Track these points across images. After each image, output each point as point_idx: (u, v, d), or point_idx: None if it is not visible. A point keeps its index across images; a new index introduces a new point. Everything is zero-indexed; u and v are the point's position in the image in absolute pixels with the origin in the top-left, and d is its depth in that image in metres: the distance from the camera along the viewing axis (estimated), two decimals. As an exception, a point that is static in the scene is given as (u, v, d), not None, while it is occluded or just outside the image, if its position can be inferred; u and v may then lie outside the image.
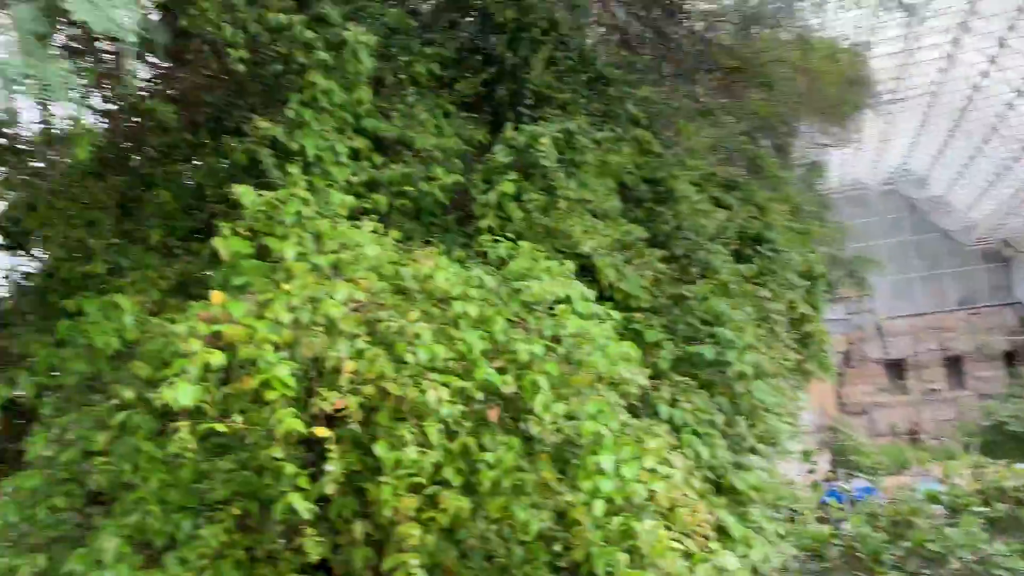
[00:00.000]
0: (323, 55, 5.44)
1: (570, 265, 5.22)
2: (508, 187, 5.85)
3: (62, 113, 7.17)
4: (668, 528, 4.04)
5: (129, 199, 5.81)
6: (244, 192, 4.17)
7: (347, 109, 5.67)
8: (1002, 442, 28.45)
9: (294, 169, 4.98)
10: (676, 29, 9.24)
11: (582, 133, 6.42)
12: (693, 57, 9.29)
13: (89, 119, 5.43)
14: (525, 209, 5.92)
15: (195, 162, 5.98)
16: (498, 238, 5.49)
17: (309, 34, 5.44)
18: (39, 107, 5.95)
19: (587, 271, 5.97)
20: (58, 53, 2.70)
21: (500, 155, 6.03)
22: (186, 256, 5.32)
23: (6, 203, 7.56)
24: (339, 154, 5.51)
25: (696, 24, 9.43)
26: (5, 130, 8.11)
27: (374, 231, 4.52)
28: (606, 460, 3.90)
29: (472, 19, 7.47)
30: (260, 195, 4.21)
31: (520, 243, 5.22)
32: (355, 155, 5.74)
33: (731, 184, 8.75)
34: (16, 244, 7.67)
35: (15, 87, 2.72)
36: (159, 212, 5.53)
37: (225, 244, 4.02)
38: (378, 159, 5.92)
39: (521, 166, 6.02)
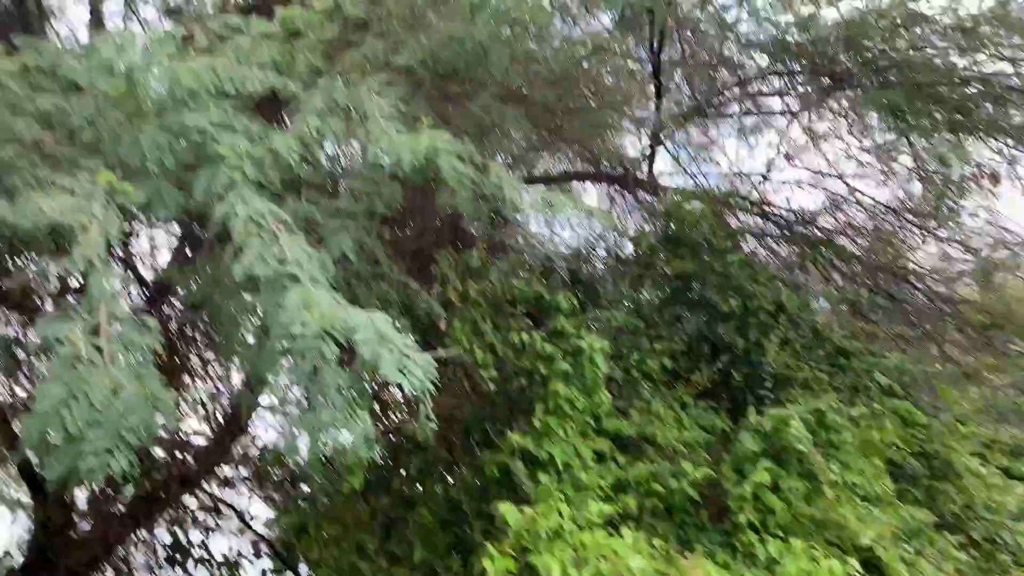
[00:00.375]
0: (563, 365, 5.77)
1: (854, 563, 4.64)
2: (763, 476, 5.49)
3: (333, 442, 8.02)
4: None
5: (391, 519, 6.12)
6: (507, 511, 4.25)
7: (588, 412, 5.83)
8: None
9: (545, 478, 5.06)
10: (910, 292, 8.88)
11: (834, 411, 6.05)
12: (936, 317, 8.76)
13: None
14: (786, 499, 5.48)
15: (449, 479, 6.27)
16: (762, 534, 5.05)
17: (549, 348, 5.84)
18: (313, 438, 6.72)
19: (871, 566, 5.24)
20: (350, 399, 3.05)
21: (747, 442, 5.76)
22: (445, 574, 5.36)
23: (280, 527, 8.26)
24: (584, 458, 5.57)
25: (930, 283, 9.02)
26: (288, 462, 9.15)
27: (634, 539, 4.34)
28: None
29: (696, 311, 7.64)
30: (521, 512, 4.26)
31: (790, 540, 4.75)
32: (599, 457, 5.77)
33: (1020, 450, 7.65)
34: (289, 567, 8.22)
35: (319, 435, 3.06)
36: (419, 531, 5.74)
37: (491, 565, 4.02)
38: (622, 458, 5.90)
39: (773, 452, 5.70)
